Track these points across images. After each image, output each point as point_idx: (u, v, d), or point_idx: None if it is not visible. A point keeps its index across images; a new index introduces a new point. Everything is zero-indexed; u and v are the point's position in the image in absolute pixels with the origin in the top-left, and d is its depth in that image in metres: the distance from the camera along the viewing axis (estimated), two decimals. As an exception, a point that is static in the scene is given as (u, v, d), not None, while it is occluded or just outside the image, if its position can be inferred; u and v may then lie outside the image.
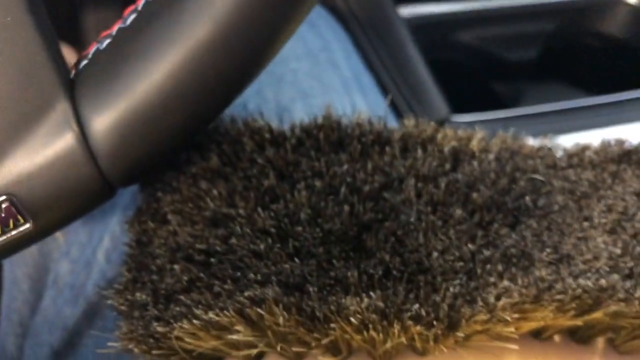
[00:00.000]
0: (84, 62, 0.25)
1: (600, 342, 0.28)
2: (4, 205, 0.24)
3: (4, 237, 0.24)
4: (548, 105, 0.45)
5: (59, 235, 0.45)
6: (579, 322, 0.25)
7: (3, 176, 0.23)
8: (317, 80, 0.43)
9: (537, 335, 0.27)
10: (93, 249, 0.40)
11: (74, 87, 0.24)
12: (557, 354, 0.27)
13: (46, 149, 0.23)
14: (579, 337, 0.27)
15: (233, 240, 0.25)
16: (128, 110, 0.24)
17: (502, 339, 0.27)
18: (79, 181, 0.24)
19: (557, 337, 0.27)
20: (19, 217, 0.24)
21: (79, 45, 0.45)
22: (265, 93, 0.40)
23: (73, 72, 0.25)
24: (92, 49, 0.25)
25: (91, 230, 0.41)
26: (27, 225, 0.24)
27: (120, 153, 0.24)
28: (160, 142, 0.25)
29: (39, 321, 0.41)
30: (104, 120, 0.24)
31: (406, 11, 0.54)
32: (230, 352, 0.24)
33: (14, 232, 0.24)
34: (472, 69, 0.55)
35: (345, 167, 0.26)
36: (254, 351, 0.23)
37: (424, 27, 0.52)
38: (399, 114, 0.47)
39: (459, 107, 0.48)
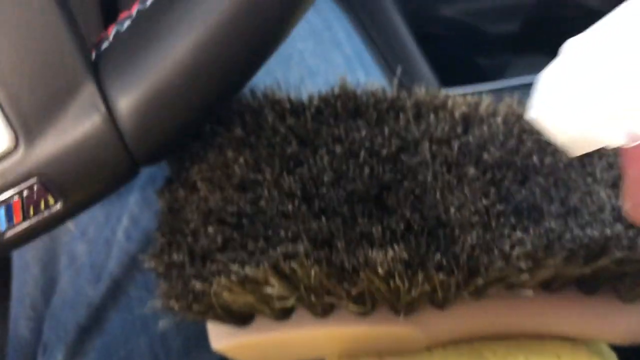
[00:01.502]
0: (105, 44, 0.26)
1: (605, 293, 0.29)
2: (35, 187, 0.25)
3: (36, 218, 0.25)
4: (531, 77, 0.47)
5: None
6: (587, 269, 0.27)
7: (35, 158, 0.24)
8: (322, 60, 0.44)
9: (547, 287, 0.29)
10: (112, 229, 0.41)
11: (98, 69, 0.25)
12: (566, 305, 0.29)
13: (75, 130, 0.24)
14: (586, 287, 0.29)
15: (262, 203, 0.26)
16: (152, 89, 0.25)
17: (515, 289, 0.29)
18: (106, 160, 0.25)
19: (565, 289, 0.29)
20: (50, 198, 0.25)
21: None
22: (275, 73, 0.42)
23: (94, 53, 0.26)
24: (111, 31, 0.26)
25: (109, 211, 0.42)
26: (58, 206, 0.25)
27: (147, 131, 0.25)
28: (184, 118, 0.26)
29: (57, 303, 0.42)
30: (129, 100, 0.24)
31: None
32: (263, 308, 0.26)
33: (45, 213, 0.25)
34: (457, 42, 0.57)
35: (364, 132, 0.28)
36: (287, 303, 0.25)
37: (410, 2, 0.54)
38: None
39: (444, 80, 0.50)
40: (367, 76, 0.45)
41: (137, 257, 0.38)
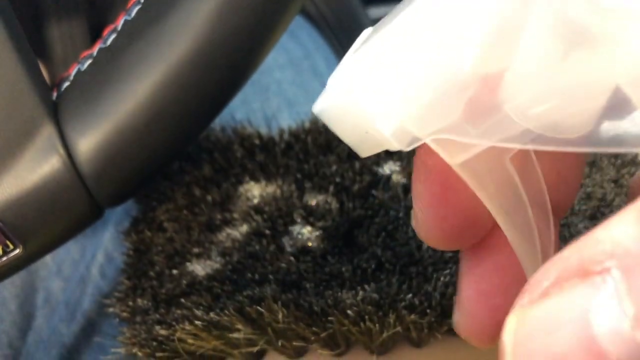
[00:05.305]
0: (66, 83, 0.25)
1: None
2: None
3: None
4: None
5: None
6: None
7: None
8: (301, 89, 0.44)
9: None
10: (87, 266, 0.40)
11: (58, 110, 0.24)
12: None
13: (33, 173, 0.23)
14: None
15: (229, 244, 0.25)
16: (113, 130, 0.24)
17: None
18: (67, 204, 0.24)
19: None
20: (9, 243, 0.24)
21: (44, 56, 0.45)
22: (252, 103, 0.41)
23: (54, 93, 0.25)
24: (73, 70, 0.25)
25: (83, 248, 0.41)
26: (17, 251, 0.24)
27: (108, 174, 0.24)
28: (147, 160, 0.25)
29: (32, 341, 0.41)
30: (89, 142, 0.24)
31: (375, 12, 0.55)
32: (231, 352, 0.25)
33: (4, 259, 0.24)
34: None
35: (334, 167, 0.27)
36: (255, 348, 0.24)
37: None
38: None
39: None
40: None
41: (111, 294, 0.37)
